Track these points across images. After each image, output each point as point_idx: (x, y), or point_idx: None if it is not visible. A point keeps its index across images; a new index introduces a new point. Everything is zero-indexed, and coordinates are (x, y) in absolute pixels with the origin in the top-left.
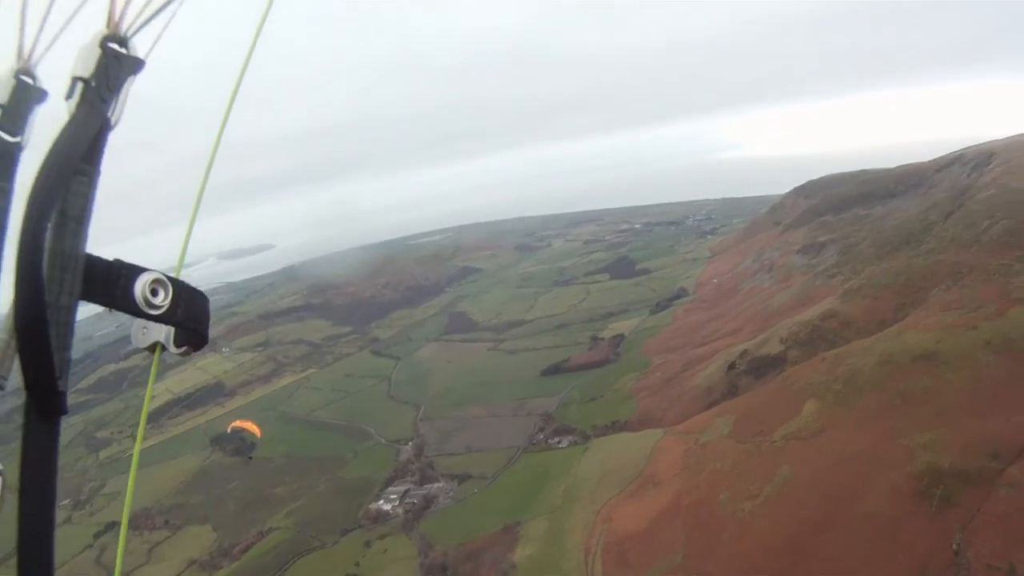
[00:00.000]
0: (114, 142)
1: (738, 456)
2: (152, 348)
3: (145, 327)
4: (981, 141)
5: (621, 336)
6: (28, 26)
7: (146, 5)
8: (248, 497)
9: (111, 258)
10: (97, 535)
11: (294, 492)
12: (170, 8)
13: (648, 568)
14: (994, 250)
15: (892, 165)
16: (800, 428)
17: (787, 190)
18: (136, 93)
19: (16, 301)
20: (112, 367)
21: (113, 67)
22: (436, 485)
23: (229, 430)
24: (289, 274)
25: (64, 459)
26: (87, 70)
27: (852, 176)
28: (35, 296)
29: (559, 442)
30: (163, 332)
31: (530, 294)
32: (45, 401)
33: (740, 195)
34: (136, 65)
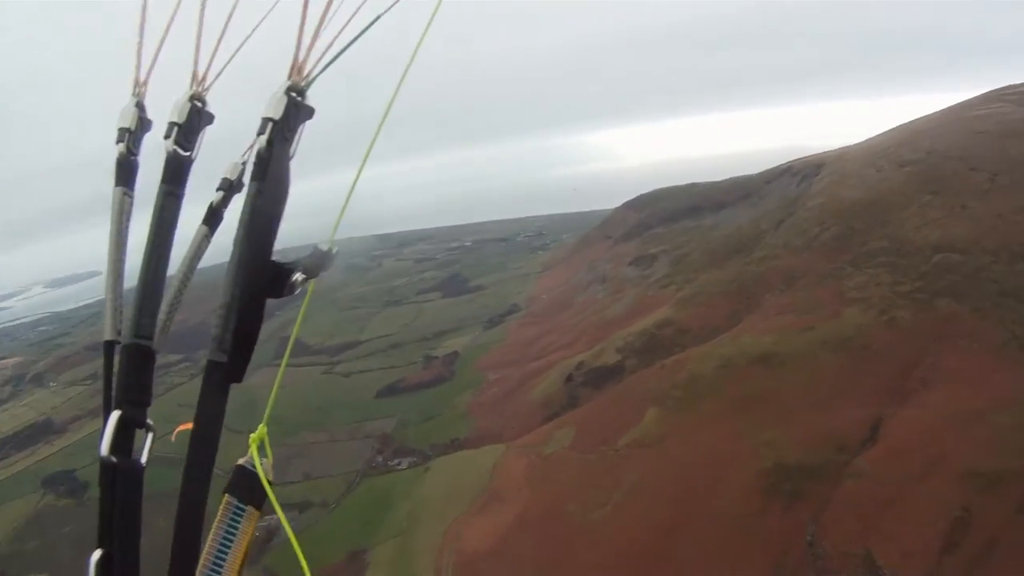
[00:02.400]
0: None
1: (582, 467)
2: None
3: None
4: (809, 153)
5: (455, 353)
6: (202, 57)
7: (319, 59)
8: (83, 541)
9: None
10: None
11: None
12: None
13: None
14: (826, 254)
15: (721, 178)
16: (643, 435)
17: (617, 204)
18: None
19: (238, 292)
20: None
21: (292, 114)
22: (275, 516)
23: (174, 438)
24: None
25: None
26: (277, 113)
27: (682, 189)
28: (256, 292)
29: (399, 463)
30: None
31: (362, 315)
32: (230, 371)
33: (570, 210)
34: (310, 113)
